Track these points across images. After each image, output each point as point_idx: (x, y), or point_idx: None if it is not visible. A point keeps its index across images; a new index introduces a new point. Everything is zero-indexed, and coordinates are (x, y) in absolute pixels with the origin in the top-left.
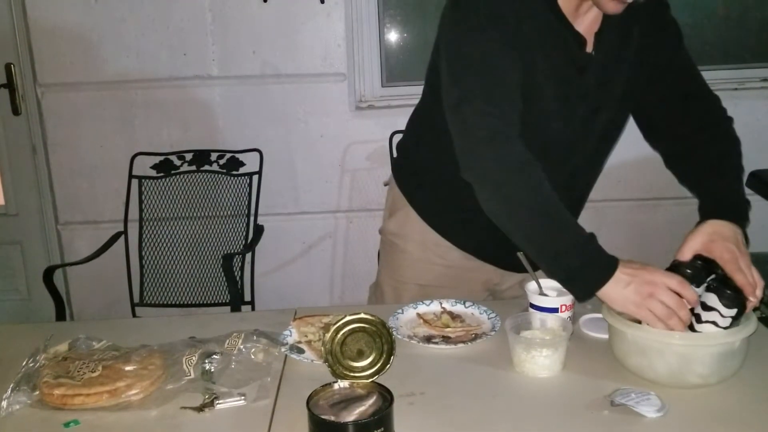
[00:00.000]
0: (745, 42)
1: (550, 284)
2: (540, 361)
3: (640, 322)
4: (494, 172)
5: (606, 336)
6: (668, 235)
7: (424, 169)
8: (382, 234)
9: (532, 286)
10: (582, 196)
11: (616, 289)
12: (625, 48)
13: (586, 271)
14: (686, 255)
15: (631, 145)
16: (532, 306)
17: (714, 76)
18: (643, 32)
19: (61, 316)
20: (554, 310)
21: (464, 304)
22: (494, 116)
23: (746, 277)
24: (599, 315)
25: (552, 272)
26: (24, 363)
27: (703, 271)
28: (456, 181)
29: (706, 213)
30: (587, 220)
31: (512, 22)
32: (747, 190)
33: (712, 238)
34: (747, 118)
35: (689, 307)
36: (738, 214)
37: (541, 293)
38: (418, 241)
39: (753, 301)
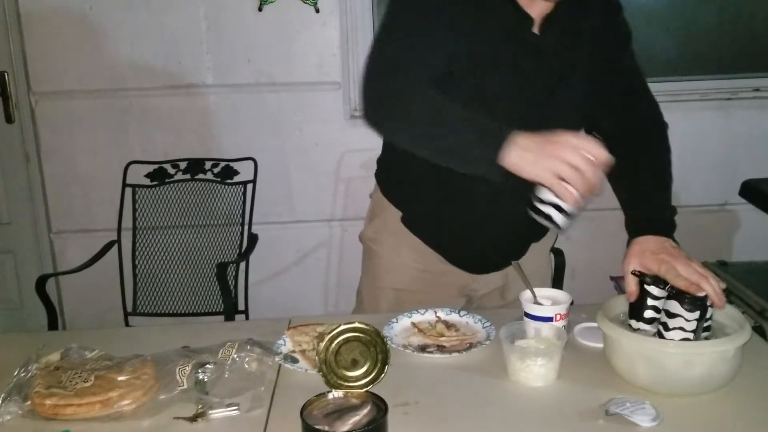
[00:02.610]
0: (737, 52)
1: (544, 293)
2: (535, 370)
3: (635, 330)
4: (387, 94)
5: (601, 345)
6: None
7: (396, 166)
8: (362, 240)
9: (526, 295)
10: None
11: (518, 155)
12: (578, 38)
13: (481, 147)
14: (630, 283)
15: None
16: (527, 315)
17: (706, 86)
18: (594, 28)
19: (53, 325)
20: (549, 319)
21: (459, 313)
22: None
23: (687, 280)
24: (594, 324)
25: (460, 165)
26: (15, 373)
27: (662, 278)
28: (427, 178)
29: (631, 232)
30: (584, 229)
31: (451, 2)
32: (740, 200)
33: (643, 255)
34: (739, 128)
35: (598, 168)
36: (662, 228)
37: (536, 302)
38: (394, 246)
39: (709, 290)
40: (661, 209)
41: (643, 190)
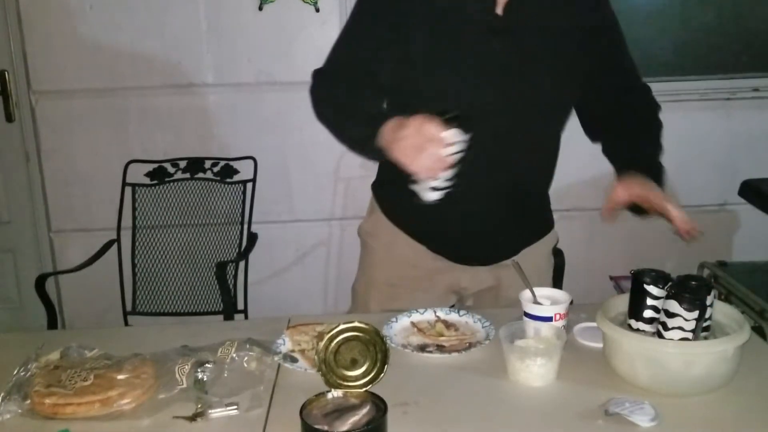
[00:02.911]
0: (737, 52)
1: (544, 293)
2: (534, 370)
3: (635, 330)
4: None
5: (600, 345)
6: (660, 244)
7: (382, 164)
8: (359, 233)
9: (526, 294)
10: (525, 178)
11: (384, 140)
12: (548, 15)
13: (366, 136)
14: (620, 194)
15: None
16: (527, 315)
17: (706, 86)
18: (565, 2)
19: (52, 324)
20: (548, 319)
21: (458, 312)
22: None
23: (678, 208)
24: (594, 324)
25: (360, 153)
26: (15, 372)
27: (661, 278)
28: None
29: (623, 173)
30: (582, 227)
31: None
32: (740, 200)
33: (629, 184)
34: (739, 128)
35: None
36: (649, 174)
37: (535, 302)
38: (388, 241)
39: (674, 214)
40: (650, 165)
41: (635, 151)
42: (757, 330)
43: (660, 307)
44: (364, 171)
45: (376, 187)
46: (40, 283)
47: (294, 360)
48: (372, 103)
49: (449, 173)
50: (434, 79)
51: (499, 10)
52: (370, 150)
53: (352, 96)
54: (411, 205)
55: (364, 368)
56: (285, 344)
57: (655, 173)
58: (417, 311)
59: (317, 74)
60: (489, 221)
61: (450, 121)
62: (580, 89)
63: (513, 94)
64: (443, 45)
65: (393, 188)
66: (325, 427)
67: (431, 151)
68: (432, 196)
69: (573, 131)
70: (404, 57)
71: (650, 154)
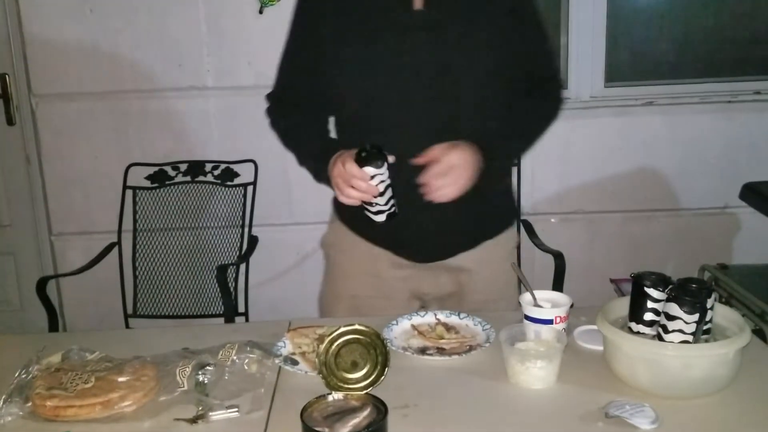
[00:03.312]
0: (738, 55)
1: (544, 296)
2: (534, 372)
3: (635, 333)
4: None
5: (601, 347)
6: (661, 247)
7: None
8: (322, 246)
9: (526, 297)
10: None
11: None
12: (468, 13)
13: (316, 168)
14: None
15: (625, 158)
16: (527, 317)
17: (707, 89)
18: (489, 4)
19: (54, 327)
20: (549, 322)
21: (459, 315)
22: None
23: (427, 161)
24: (594, 326)
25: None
26: (16, 374)
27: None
28: None
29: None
30: (581, 231)
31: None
32: (741, 203)
33: (446, 146)
34: (740, 131)
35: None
36: (488, 151)
37: (536, 305)
38: (349, 251)
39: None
40: (503, 145)
41: (500, 134)
42: (757, 333)
43: (660, 310)
44: None
45: (334, 198)
46: (41, 286)
47: (295, 362)
48: (320, 126)
49: (384, 199)
50: (356, 85)
51: (417, 6)
52: (324, 180)
53: (301, 125)
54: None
55: (364, 371)
56: (286, 347)
57: (492, 151)
58: (417, 314)
59: (269, 98)
60: (441, 216)
61: (366, 158)
62: (506, 80)
63: (438, 90)
64: (364, 49)
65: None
66: (326, 430)
67: (356, 184)
68: (380, 218)
69: (573, 135)
70: (332, 66)
71: (506, 138)
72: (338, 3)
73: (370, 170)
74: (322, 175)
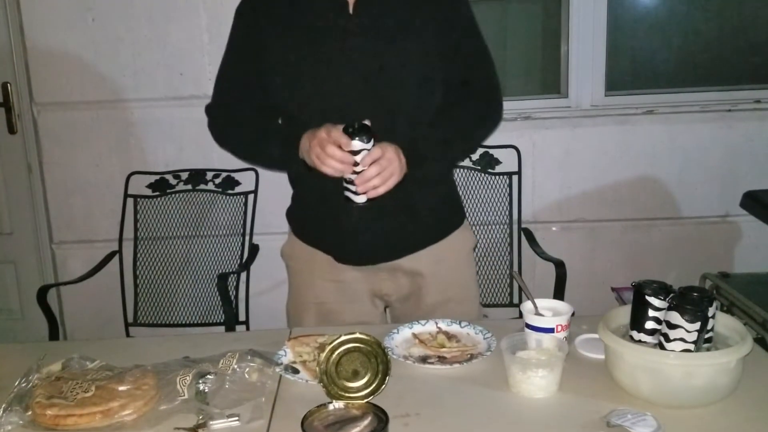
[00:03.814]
0: (738, 64)
1: (545, 304)
2: (536, 381)
3: (637, 341)
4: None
5: (602, 356)
6: (662, 255)
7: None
8: (282, 258)
9: (528, 306)
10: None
11: (302, 151)
12: (402, 15)
13: (287, 154)
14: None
15: (626, 166)
16: (528, 326)
17: (707, 98)
18: (423, 5)
19: (54, 335)
20: (550, 331)
21: (460, 324)
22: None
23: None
24: (595, 335)
25: (281, 170)
26: (17, 383)
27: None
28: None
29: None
30: (582, 239)
31: (252, 8)
32: (741, 212)
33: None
34: (740, 140)
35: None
36: (412, 155)
37: (537, 313)
38: (306, 260)
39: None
40: (427, 150)
41: (433, 134)
42: (759, 341)
43: (662, 319)
44: None
45: (288, 213)
46: (42, 294)
47: (295, 371)
48: (272, 121)
49: (367, 178)
50: (296, 89)
51: (350, 10)
52: (294, 162)
53: (255, 124)
54: (310, 217)
55: (365, 379)
56: (286, 355)
57: (419, 158)
58: (418, 322)
59: (210, 110)
60: (382, 218)
61: (354, 133)
62: (441, 81)
63: (376, 94)
64: (301, 53)
65: (300, 204)
66: None
67: (331, 152)
68: (361, 200)
69: (573, 144)
70: (270, 71)
71: (441, 143)
72: (275, 9)
73: (357, 144)
74: (293, 158)
